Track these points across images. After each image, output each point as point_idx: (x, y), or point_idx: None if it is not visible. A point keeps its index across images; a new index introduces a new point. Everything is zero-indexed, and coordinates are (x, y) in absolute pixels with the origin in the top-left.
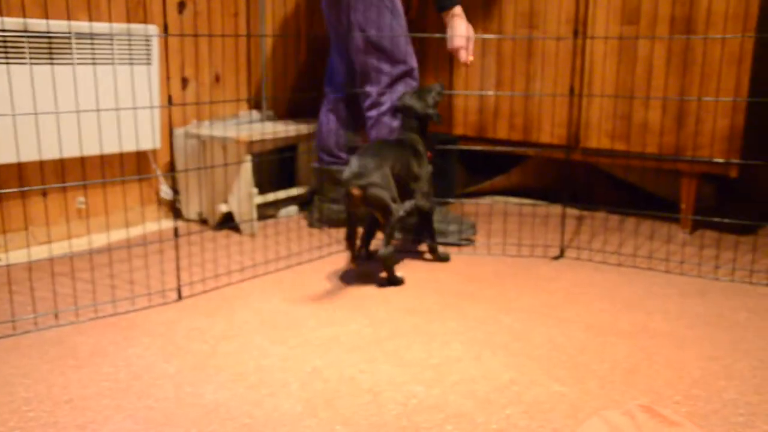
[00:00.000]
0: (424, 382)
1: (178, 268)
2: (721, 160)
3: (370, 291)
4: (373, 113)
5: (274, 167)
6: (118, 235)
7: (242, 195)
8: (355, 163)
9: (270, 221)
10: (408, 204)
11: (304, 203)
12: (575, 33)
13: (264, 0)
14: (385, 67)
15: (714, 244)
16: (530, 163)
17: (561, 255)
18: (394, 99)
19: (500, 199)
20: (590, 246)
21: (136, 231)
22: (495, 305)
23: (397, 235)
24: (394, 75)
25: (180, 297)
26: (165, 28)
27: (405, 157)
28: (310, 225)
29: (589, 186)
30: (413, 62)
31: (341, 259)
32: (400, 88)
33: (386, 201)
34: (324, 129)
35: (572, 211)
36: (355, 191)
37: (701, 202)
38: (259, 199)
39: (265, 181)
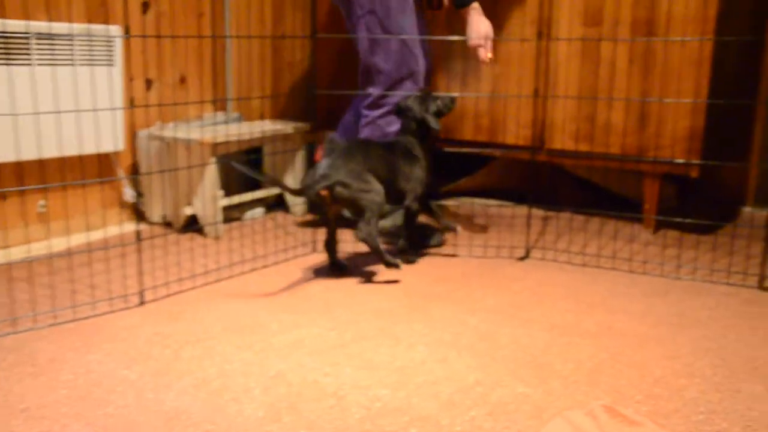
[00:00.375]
0: (389, 385)
1: (140, 272)
2: (682, 161)
3: (335, 294)
4: (370, 113)
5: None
6: (79, 238)
7: (207, 197)
8: (321, 165)
9: (235, 224)
10: (389, 207)
11: (270, 204)
12: (539, 35)
13: (228, 1)
14: (387, 67)
15: (676, 243)
16: (496, 164)
17: (527, 255)
18: (393, 102)
19: (466, 200)
20: (555, 246)
21: (98, 234)
22: (461, 306)
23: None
24: (395, 77)
25: (142, 301)
26: (127, 29)
27: (391, 158)
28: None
29: (555, 187)
30: (417, 65)
31: (306, 262)
32: (402, 92)
33: (356, 196)
34: (343, 123)
35: (538, 212)
36: (323, 192)
37: (664, 202)
38: (225, 202)
39: (230, 182)
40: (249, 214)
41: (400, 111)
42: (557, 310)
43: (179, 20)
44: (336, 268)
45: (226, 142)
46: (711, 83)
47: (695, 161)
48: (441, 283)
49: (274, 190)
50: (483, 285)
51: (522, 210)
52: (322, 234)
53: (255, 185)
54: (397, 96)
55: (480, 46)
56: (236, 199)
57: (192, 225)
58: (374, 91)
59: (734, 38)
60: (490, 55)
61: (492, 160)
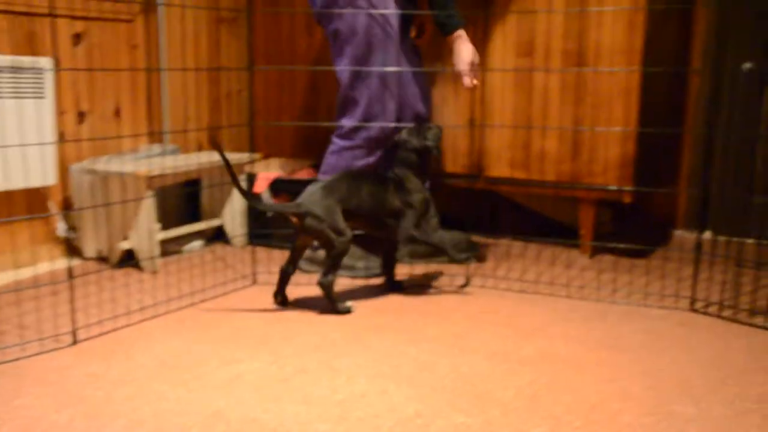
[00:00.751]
0: (330, 420)
1: (73, 310)
2: (614, 187)
3: (275, 327)
4: (339, 143)
5: (178, 201)
6: (9, 276)
7: (143, 231)
8: (303, 193)
9: (173, 257)
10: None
11: (210, 237)
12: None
13: (163, 32)
14: (363, 101)
15: (612, 268)
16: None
17: (467, 283)
18: (364, 136)
19: None
20: (495, 273)
21: (28, 272)
22: (401, 337)
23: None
24: (369, 112)
25: (75, 341)
26: (57, 62)
27: (379, 192)
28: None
29: (494, 214)
30: (392, 104)
31: (246, 295)
32: (375, 126)
33: (325, 233)
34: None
35: (477, 239)
36: (294, 219)
37: (599, 228)
38: (162, 235)
39: (168, 215)
40: (188, 246)
41: (397, 145)
42: (497, 337)
43: (112, 52)
44: (280, 300)
45: (162, 175)
46: (640, 111)
47: (627, 187)
48: (382, 313)
49: (214, 222)
50: (423, 314)
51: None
52: (261, 266)
53: (194, 217)
54: (371, 130)
55: (464, 73)
56: (174, 232)
57: (128, 260)
58: (347, 122)
59: (660, 69)
60: (475, 81)
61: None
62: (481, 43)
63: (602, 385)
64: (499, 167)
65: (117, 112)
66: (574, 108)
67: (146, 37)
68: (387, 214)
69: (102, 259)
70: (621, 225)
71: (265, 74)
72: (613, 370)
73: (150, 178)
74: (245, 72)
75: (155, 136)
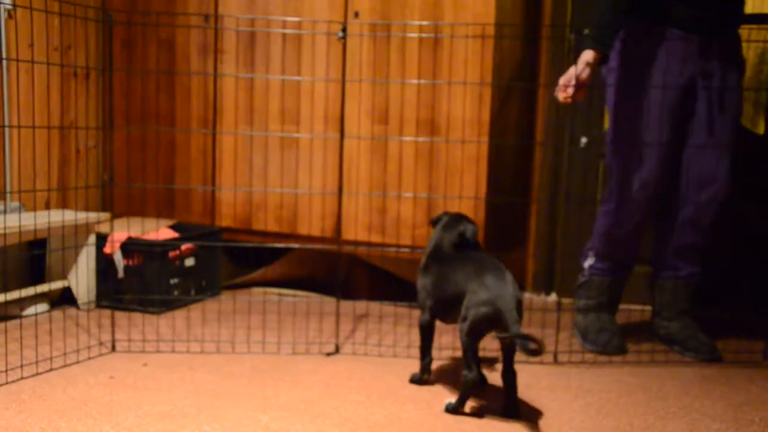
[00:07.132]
0: None
1: None
2: None
3: (119, 396)
4: (601, 207)
5: (21, 262)
6: None
7: None
8: (499, 286)
9: (14, 322)
10: None
11: (54, 301)
12: (326, 131)
13: (5, 88)
14: (615, 166)
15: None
16: (296, 253)
17: (336, 350)
18: (616, 199)
19: (258, 290)
20: (353, 337)
21: None
22: (253, 404)
23: None
24: (622, 176)
25: None
26: None
27: None
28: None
29: (352, 276)
30: (643, 168)
31: (91, 362)
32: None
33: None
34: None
35: (334, 301)
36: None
37: None
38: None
39: (7, 275)
40: (31, 310)
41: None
42: (349, 403)
43: None
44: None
45: (2, 234)
46: (489, 179)
47: None
48: (231, 379)
49: (60, 284)
50: (276, 380)
51: (316, 301)
52: (120, 333)
53: (39, 279)
54: (624, 192)
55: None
56: (12, 294)
57: None
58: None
59: (506, 141)
60: (567, 98)
61: (293, 250)
62: (337, 109)
63: None
64: (358, 231)
65: None
66: (427, 174)
67: None
68: None
69: None
70: None
71: (120, 132)
72: None
73: None
74: (96, 129)
75: None
